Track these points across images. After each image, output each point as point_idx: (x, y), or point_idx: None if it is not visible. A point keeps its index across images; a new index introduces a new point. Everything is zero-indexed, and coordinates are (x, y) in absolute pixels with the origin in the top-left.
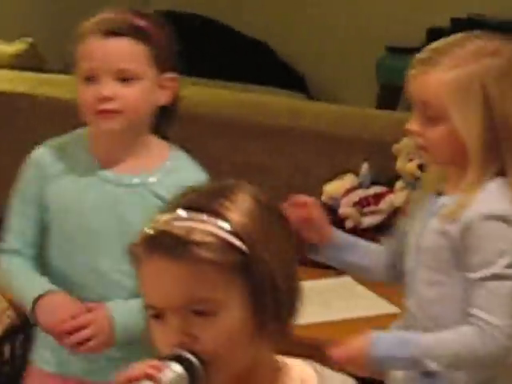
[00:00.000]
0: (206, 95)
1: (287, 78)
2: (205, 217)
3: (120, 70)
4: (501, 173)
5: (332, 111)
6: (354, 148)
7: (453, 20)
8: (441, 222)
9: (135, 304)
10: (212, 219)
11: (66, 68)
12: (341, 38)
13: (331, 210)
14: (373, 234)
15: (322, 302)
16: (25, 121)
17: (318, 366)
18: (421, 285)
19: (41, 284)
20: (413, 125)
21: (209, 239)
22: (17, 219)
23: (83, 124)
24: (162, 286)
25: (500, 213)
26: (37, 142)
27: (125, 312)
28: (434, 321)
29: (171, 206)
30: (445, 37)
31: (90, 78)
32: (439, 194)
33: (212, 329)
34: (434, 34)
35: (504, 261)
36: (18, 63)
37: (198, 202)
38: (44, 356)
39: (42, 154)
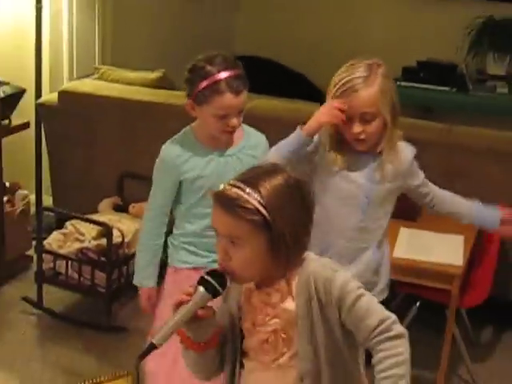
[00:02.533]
0: (266, 105)
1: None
2: (249, 190)
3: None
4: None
5: None
6: None
7: (418, 62)
8: (384, 174)
9: None
10: (252, 192)
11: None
12: None
13: None
14: None
15: None
16: (162, 115)
17: None
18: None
19: (147, 276)
20: (356, 128)
21: (247, 205)
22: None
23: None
24: (217, 222)
25: (414, 153)
26: (168, 135)
27: None
28: (365, 244)
29: (236, 178)
30: (414, 73)
31: (222, 118)
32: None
33: (240, 253)
34: (407, 71)
35: None
36: (156, 84)
37: (249, 178)
38: (182, 258)
39: (169, 150)
